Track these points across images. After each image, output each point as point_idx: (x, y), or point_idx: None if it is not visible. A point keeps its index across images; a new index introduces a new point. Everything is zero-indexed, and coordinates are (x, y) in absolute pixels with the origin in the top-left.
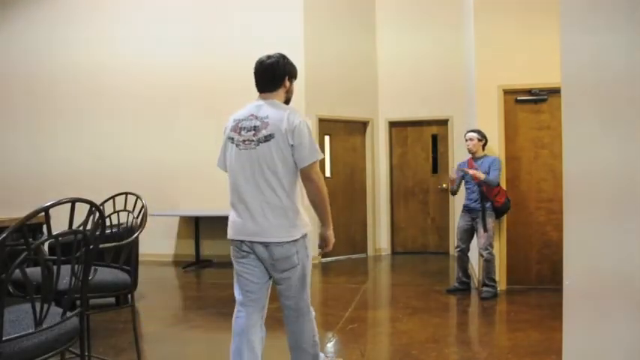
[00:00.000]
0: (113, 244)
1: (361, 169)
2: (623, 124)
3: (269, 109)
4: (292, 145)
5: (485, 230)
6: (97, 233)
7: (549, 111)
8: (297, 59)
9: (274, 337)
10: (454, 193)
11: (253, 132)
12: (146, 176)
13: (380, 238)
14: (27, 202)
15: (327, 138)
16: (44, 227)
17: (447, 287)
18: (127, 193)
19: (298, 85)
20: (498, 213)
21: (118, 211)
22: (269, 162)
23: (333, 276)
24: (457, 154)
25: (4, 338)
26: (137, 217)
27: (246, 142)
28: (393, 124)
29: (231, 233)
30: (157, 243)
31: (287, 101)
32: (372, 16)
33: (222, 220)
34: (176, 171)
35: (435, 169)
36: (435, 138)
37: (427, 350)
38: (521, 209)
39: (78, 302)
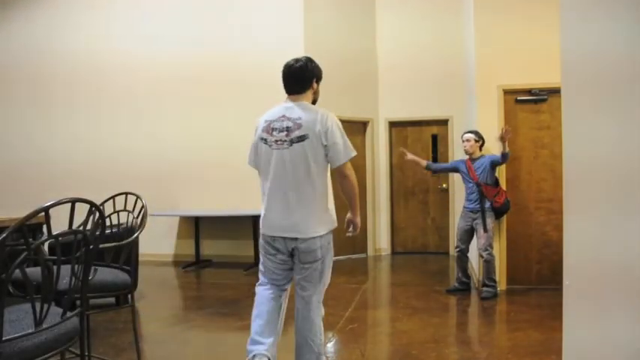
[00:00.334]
0: (113, 244)
1: (361, 169)
2: (623, 114)
3: (300, 111)
4: (325, 145)
5: (485, 231)
6: (97, 233)
7: (549, 111)
8: None
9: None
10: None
11: (286, 132)
12: (146, 176)
13: (380, 238)
14: (27, 202)
15: None
16: (44, 227)
17: (446, 287)
18: (126, 193)
19: None
20: (498, 213)
21: (118, 211)
22: (302, 161)
23: (333, 276)
24: (457, 154)
25: (4, 338)
26: (137, 217)
27: (279, 142)
28: (393, 124)
29: (264, 229)
30: (157, 243)
31: (314, 102)
32: (372, 15)
33: (222, 220)
34: (176, 171)
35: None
36: (435, 138)
37: (427, 350)
38: (521, 209)
39: (78, 302)
